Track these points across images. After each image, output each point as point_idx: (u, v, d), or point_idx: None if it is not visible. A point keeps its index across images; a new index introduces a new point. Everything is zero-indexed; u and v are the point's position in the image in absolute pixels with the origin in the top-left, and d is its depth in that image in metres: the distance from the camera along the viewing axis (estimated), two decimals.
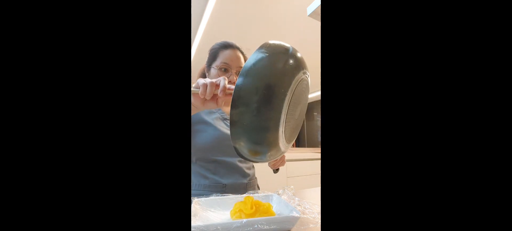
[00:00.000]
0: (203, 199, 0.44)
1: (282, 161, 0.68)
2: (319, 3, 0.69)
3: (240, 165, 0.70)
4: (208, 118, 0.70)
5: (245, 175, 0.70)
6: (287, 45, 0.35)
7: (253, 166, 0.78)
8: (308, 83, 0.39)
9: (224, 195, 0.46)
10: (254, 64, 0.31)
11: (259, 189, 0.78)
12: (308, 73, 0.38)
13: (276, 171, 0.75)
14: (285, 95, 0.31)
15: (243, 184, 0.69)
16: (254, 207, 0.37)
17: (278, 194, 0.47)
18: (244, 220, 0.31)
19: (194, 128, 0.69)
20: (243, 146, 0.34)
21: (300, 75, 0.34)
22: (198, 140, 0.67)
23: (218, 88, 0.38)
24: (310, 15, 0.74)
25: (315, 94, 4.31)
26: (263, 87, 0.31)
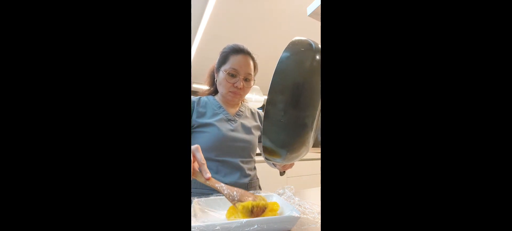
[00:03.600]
0: (203, 199, 0.44)
1: (291, 164, 0.68)
2: (319, 3, 0.69)
3: (242, 165, 0.70)
4: (212, 120, 0.70)
5: (247, 175, 0.70)
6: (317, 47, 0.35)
7: (254, 167, 0.79)
8: None
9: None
10: (286, 63, 0.31)
11: (260, 189, 0.78)
12: None
13: (282, 173, 0.75)
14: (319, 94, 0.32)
15: (244, 184, 0.69)
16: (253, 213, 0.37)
17: (278, 194, 0.47)
18: (244, 220, 0.31)
19: (197, 129, 0.70)
20: (273, 142, 0.34)
21: None
22: (201, 140, 0.68)
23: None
24: (310, 15, 0.74)
25: None
26: (299, 84, 0.31)
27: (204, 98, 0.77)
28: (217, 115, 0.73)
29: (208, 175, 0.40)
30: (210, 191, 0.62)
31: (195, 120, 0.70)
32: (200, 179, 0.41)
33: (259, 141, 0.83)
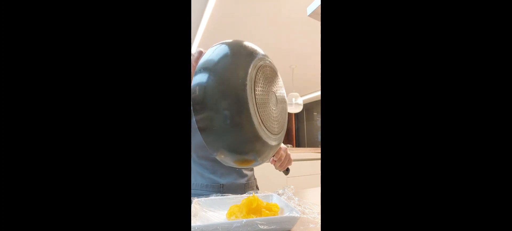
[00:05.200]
0: (202, 199, 0.44)
1: (288, 159, 0.64)
2: (319, 3, 0.69)
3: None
4: None
5: (243, 175, 0.70)
6: (230, 40, 0.35)
7: (252, 168, 0.78)
8: (272, 68, 0.38)
9: (224, 195, 0.46)
10: (204, 68, 0.31)
11: (258, 189, 0.77)
12: (268, 59, 0.37)
13: (286, 172, 0.72)
14: (244, 86, 0.30)
15: (241, 184, 0.68)
16: (253, 211, 0.37)
17: (278, 194, 0.47)
18: (244, 220, 0.31)
19: (194, 128, 0.69)
20: (225, 155, 0.32)
21: (257, 62, 0.33)
22: (199, 137, 0.66)
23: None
24: (310, 15, 0.74)
25: (315, 94, 4.32)
26: (218, 84, 0.30)
27: None
28: None
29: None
30: (210, 191, 0.62)
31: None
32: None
33: None
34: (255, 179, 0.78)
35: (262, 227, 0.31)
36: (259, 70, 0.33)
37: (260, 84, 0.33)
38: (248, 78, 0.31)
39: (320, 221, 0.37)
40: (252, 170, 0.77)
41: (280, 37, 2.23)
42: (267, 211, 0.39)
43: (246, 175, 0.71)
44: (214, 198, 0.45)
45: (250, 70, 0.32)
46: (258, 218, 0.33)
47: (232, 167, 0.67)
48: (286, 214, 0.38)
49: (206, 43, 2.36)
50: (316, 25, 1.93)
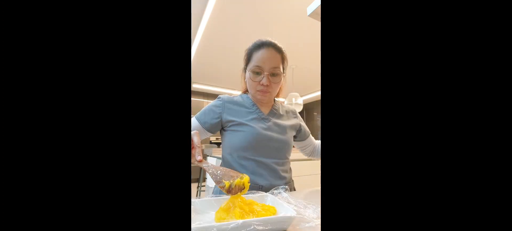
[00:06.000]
0: (198, 199, 0.44)
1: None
2: (319, 3, 0.69)
3: (277, 167, 0.68)
4: (245, 120, 0.68)
5: (282, 177, 0.68)
6: None
7: (290, 169, 0.76)
8: None
9: (218, 196, 0.46)
10: None
11: (295, 190, 0.76)
12: None
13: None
14: None
15: (279, 186, 0.67)
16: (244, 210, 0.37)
17: (273, 194, 0.47)
18: (241, 221, 0.31)
19: (231, 128, 0.68)
20: None
21: None
22: (236, 139, 0.66)
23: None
24: (310, 15, 0.74)
25: (315, 94, 4.32)
26: None
27: (237, 97, 0.74)
28: (250, 113, 0.70)
29: (200, 157, 0.43)
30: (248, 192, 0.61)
31: (226, 118, 0.68)
32: (193, 161, 0.42)
33: (301, 139, 0.81)
34: (292, 181, 0.76)
35: (258, 227, 0.31)
36: None
37: None
38: None
39: (314, 220, 0.37)
40: (290, 171, 0.75)
41: (280, 37, 2.23)
42: (262, 211, 0.39)
43: (284, 177, 0.69)
44: (209, 199, 0.45)
45: None
46: (254, 219, 0.33)
47: (270, 169, 0.66)
48: (282, 214, 0.38)
49: (206, 43, 2.36)
50: (316, 25, 1.94)
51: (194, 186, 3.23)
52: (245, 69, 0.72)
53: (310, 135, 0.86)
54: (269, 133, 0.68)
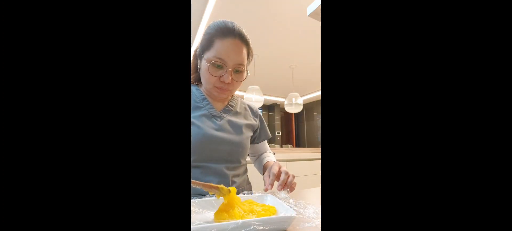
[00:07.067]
0: (197, 200, 0.43)
1: (292, 177, 0.53)
2: (319, 3, 0.69)
3: (227, 172, 0.58)
4: (192, 115, 0.57)
5: (232, 183, 0.60)
6: None
7: (244, 171, 0.67)
8: None
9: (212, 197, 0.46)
10: None
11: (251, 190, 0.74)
12: None
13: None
14: None
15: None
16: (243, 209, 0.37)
17: (273, 194, 0.47)
18: (240, 221, 0.31)
19: None
20: None
21: None
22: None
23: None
24: (310, 15, 0.74)
25: (315, 94, 4.32)
26: None
27: None
28: (199, 109, 0.59)
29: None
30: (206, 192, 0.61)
31: None
32: None
33: (253, 142, 0.71)
34: (249, 183, 0.69)
35: (258, 227, 0.31)
36: None
37: None
38: None
39: (314, 220, 0.37)
40: (244, 174, 0.67)
41: (280, 37, 2.23)
42: (262, 211, 0.39)
43: (234, 182, 0.61)
44: (209, 198, 0.44)
45: None
46: (254, 219, 0.33)
47: (219, 174, 0.58)
48: (282, 214, 0.38)
49: None
50: (316, 25, 1.94)
51: None
52: (200, 55, 0.58)
53: (266, 143, 0.75)
54: (220, 134, 0.58)
